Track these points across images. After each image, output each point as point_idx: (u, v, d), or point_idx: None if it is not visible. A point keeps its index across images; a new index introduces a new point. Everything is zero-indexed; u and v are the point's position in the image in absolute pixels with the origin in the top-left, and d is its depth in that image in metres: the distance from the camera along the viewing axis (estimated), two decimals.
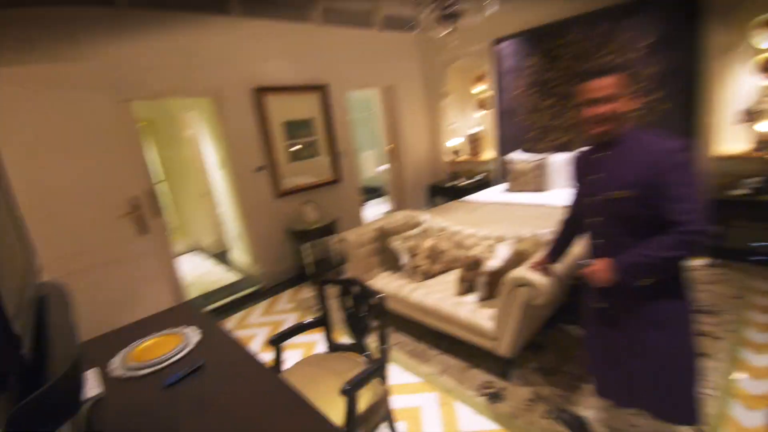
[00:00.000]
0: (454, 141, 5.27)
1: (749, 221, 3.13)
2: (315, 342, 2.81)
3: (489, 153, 5.15)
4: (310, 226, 3.84)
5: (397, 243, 2.87)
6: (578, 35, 3.88)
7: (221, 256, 5.04)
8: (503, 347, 2.11)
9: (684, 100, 3.40)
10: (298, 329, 1.83)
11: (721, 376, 2.04)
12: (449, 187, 5.03)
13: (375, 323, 1.67)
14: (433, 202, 5.19)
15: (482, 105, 5.22)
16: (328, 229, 3.90)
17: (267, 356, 2.53)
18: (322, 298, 1.90)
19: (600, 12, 3.67)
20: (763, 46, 3.05)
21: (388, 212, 5.91)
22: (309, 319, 1.91)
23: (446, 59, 5.16)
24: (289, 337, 1.77)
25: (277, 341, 1.74)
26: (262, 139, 3.84)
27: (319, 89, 4.19)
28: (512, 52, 4.43)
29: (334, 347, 1.94)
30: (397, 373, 2.41)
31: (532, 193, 4.03)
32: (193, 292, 3.92)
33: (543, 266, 1.91)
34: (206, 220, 5.22)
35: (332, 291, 1.87)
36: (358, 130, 7.66)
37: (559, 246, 1.83)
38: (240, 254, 4.45)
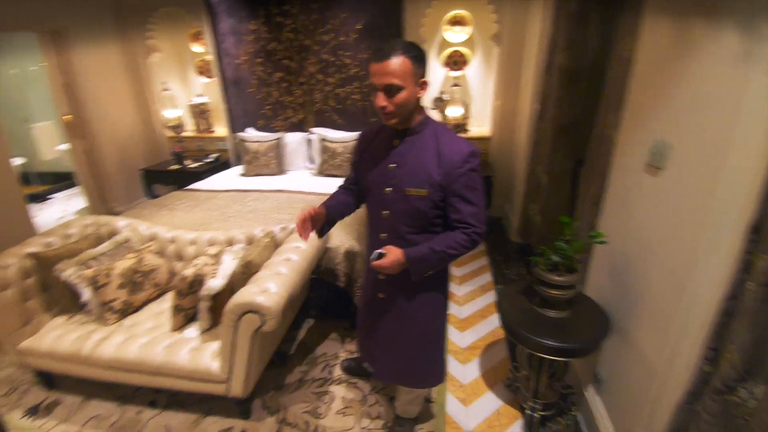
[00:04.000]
0: (172, 112, 4.24)
1: None
2: None
3: (221, 129, 4.43)
4: None
5: (68, 273, 1.92)
6: (295, 7, 3.62)
7: None
8: (235, 389, 1.70)
9: None
10: None
11: None
12: (174, 171, 4.05)
13: None
14: (152, 191, 4.08)
15: (204, 70, 4.38)
16: None
17: None
18: None
19: None
20: (452, 41, 3.61)
21: (80, 212, 4.35)
22: None
23: (144, 4, 3.96)
24: None
25: None
26: None
27: None
28: (228, 10, 3.76)
29: None
30: None
31: (270, 177, 3.68)
32: None
33: (315, 213, 1.36)
34: None
35: None
36: (28, 90, 5.22)
37: (341, 205, 1.50)
38: None
